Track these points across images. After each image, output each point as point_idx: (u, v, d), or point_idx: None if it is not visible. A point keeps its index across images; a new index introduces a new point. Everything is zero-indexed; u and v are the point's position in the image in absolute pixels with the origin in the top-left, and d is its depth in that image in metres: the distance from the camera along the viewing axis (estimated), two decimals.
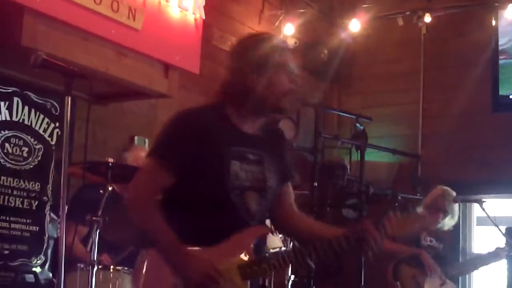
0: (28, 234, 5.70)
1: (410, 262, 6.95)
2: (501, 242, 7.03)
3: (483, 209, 7.04)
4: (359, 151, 7.83)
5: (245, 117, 3.40)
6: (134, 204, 3.28)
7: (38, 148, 5.82)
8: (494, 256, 7.15)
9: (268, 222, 3.63)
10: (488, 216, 7.00)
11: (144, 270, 3.32)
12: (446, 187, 7.15)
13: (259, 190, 3.37)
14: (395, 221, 3.37)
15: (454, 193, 7.09)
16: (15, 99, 5.69)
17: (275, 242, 5.71)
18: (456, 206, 7.12)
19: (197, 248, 3.19)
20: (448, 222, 7.10)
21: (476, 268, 7.41)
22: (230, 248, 3.24)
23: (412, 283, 6.91)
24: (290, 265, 3.36)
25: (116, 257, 5.06)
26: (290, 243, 5.86)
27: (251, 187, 3.34)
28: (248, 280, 3.25)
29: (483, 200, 7.15)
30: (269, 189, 3.40)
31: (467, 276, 8.35)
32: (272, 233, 3.54)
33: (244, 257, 3.26)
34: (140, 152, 5.70)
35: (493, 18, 8.14)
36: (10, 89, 5.65)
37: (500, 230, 6.96)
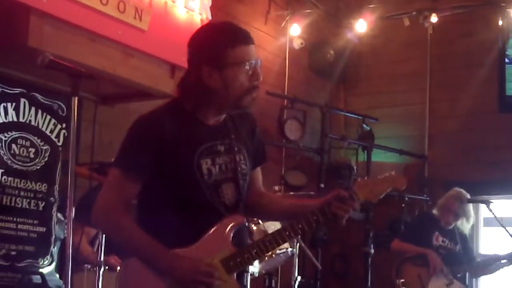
0: (35, 235, 5.70)
1: (416, 261, 6.96)
2: (509, 243, 7.02)
3: (490, 210, 7.03)
4: (365, 151, 7.85)
5: (207, 113, 3.23)
6: (104, 217, 3.14)
7: (45, 149, 5.82)
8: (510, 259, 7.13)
9: None
10: (495, 217, 6.99)
11: (121, 283, 3.25)
12: (460, 189, 7.17)
13: (233, 179, 3.25)
14: (365, 186, 3.31)
15: (467, 196, 7.11)
16: (22, 100, 5.69)
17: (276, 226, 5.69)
18: (470, 209, 7.15)
19: (177, 250, 3.10)
20: (464, 225, 7.16)
21: (488, 272, 7.38)
22: (210, 243, 3.14)
23: (417, 282, 6.91)
24: (272, 248, 3.29)
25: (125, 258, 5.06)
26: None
27: (227, 179, 3.23)
28: (234, 272, 3.17)
29: (490, 201, 7.15)
30: (243, 176, 3.29)
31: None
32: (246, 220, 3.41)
33: (225, 251, 3.16)
34: None
35: (500, 18, 8.12)
36: (17, 90, 5.65)
37: (507, 231, 6.95)
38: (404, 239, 7.12)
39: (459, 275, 7.04)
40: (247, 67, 3.14)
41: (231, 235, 3.19)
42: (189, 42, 3.28)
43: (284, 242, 3.28)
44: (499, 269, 7.25)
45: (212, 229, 3.16)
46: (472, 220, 7.19)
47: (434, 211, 7.26)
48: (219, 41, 3.15)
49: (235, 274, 3.19)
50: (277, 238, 3.23)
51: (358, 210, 3.34)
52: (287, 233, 3.23)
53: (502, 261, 7.19)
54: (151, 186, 3.14)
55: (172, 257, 3.07)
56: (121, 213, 3.10)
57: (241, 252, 3.19)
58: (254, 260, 3.26)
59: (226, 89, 3.13)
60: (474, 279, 8.28)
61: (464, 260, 7.12)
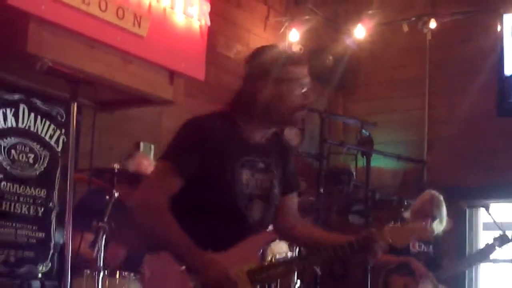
0: (34, 240, 5.71)
1: (400, 271, 6.90)
2: (509, 247, 7.02)
3: (489, 214, 7.04)
4: (364, 157, 7.84)
5: (254, 127, 3.43)
6: (146, 207, 3.27)
7: (44, 155, 5.83)
8: (483, 254, 7.14)
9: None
10: (494, 221, 7.00)
11: (152, 275, 3.35)
12: (434, 192, 7.10)
13: (265, 198, 3.43)
14: (395, 231, 3.46)
15: (441, 198, 7.04)
16: (21, 106, 5.71)
17: (281, 247, 5.71)
18: (444, 211, 7.06)
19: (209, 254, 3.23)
20: (437, 227, 7.05)
21: (468, 267, 7.40)
22: (239, 254, 3.28)
23: None
24: (298, 271, 3.41)
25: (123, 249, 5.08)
26: (296, 248, 5.86)
27: (259, 196, 3.40)
28: (257, 286, 3.30)
29: (489, 205, 7.14)
30: (274, 197, 3.46)
31: (473, 280, 8.34)
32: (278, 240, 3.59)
33: (252, 263, 3.30)
34: (142, 159, 5.69)
35: (498, 24, 8.14)
36: (16, 96, 5.67)
37: (506, 235, 6.95)
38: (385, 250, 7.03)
39: (444, 277, 7.00)
40: (301, 86, 3.38)
41: (261, 250, 3.39)
42: (247, 58, 3.53)
43: (309, 267, 3.45)
44: (475, 264, 7.29)
45: (245, 240, 3.32)
46: (445, 222, 7.11)
47: (406, 216, 7.17)
48: (280, 58, 3.41)
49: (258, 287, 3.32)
50: (304, 263, 3.41)
51: (384, 249, 3.49)
52: (313, 258, 3.41)
53: (475, 259, 7.22)
54: (188, 189, 3.28)
55: (206, 258, 3.19)
56: (163, 205, 3.25)
57: (268, 267, 3.36)
58: (279, 278, 3.40)
59: (279, 103, 3.35)
60: (473, 279, 8.30)
61: (440, 261, 7.09)
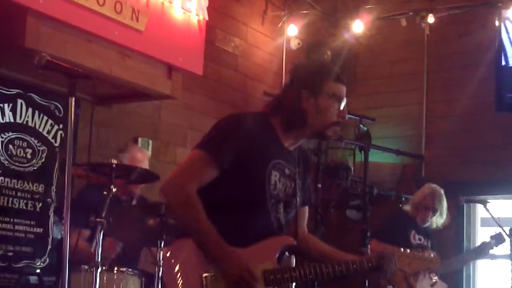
0: (32, 235, 5.71)
1: None
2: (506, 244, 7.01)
3: (487, 210, 7.03)
4: (362, 152, 7.81)
5: (288, 133, 3.52)
6: (179, 191, 3.33)
7: (42, 150, 5.82)
8: (479, 252, 7.13)
9: None
10: (492, 217, 6.98)
11: (172, 257, 3.39)
12: (435, 185, 7.11)
13: (288, 204, 3.51)
14: (405, 257, 3.59)
15: (442, 191, 7.05)
16: (19, 101, 5.70)
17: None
18: (445, 204, 7.07)
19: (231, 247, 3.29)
20: (437, 220, 7.06)
21: (464, 264, 7.40)
22: (258, 253, 3.35)
23: (404, 284, 6.87)
24: (310, 279, 3.45)
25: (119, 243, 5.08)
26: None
27: (283, 200, 3.48)
28: (270, 287, 3.34)
29: (487, 201, 7.13)
30: (295, 205, 3.55)
31: (471, 276, 8.34)
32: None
33: (269, 264, 3.36)
34: (136, 153, 5.68)
35: (496, 18, 8.13)
36: (14, 91, 5.66)
37: (504, 231, 6.94)
38: (382, 240, 7.04)
39: (442, 272, 7.00)
40: (339, 102, 3.51)
41: (279, 252, 3.42)
42: (292, 67, 3.69)
43: (322, 277, 3.47)
44: (466, 264, 7.29)
45: (265, 240, 3.39)
46: (445, 215, 7.11)
47: (407, 208, 7.17)
48: (324, 72, 3.54)
49: None
50: (317, 271, 3.44)
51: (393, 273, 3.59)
52: (327, 270, 3.45)
53: (470, 256, 7.23)
54: (218, 181, 3.36)
55: (228, 250, 3.26)
56: (195, 194, 3.31)
57: (283, 270, 3.39)
58: (292, 282, 3.44)
59: (317, 115, 3.47)
60: (471, 276, 8.31)
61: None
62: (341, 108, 3.52)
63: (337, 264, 3.46)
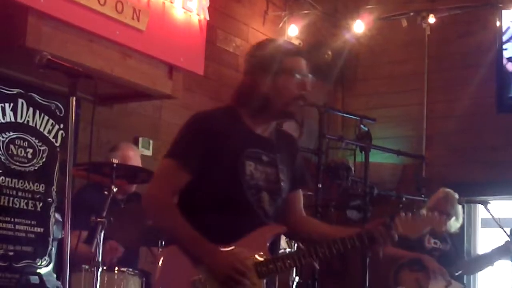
0: (33, 235, 5.70)
1: (412, 266, 6.90)
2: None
3: (488, 211, 7.02)
4: (363, 152, 7.81)
5: (257, 120, 3.47)
6: (154, 202, 3.35)
7: (43, 150, 5.82)
8: (502, 251, 7.09)
9: None
10: (493, 217, 6.97)
11: (160, 267, 3.36)
12: (448, 189, 7.12)
13: (272, 191, 3.44)
14: (406, 221, 3.44)
15: (456, 195, 7.06)
16: (20, 100, 5.70)
17: (281, 244, 5.70)
18: (459, 208, 7.09)
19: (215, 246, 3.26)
20: (453, 224, 7.07)
21: (481, 268, 7.38)
22: (247, 246, 3.30)
23: (416, 287, 6.87)
24: (305, 262, 3.39)
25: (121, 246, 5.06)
26: (294, 245, 5.85)
27: (265, 188, 3.42)
28: (264, 278, 3.30)
29: (488, 201, 7.13)
30: (282, 192, 3.48)
31: (471, 276, 8.33)
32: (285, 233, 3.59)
33: (260, 255, 3.32)
34: (128, 151, 5.64)
35: (497, 19, 8.13)
36: (15, 91, 5.65)
37: (505, 231, 6.93)
38: (396, 244, 7.04)
39: (456, 274, 7.00)
40: (298, 77, 3.43)
41: (269, 242, 3.37)
42: (246, 54, 3.63)
43: (318, 258, 3.40)
44: (489, 265, 7.24)
45: (253, 232, 3.34)
46: (461, 218, 7.13)
47: (423, 213, 7.16)
48: (276, 50, 3.50)
49: (265, 280, 3.31)
50: (311, 253, 3.37)
51: (395, 241, 3.46)
52: (322, 250, 3.36)
53: (493, 257, 7.19)
54: (194, 183, 3.34)
55: (212, 250, 3.23)
56: (170, 202, 3.33)
57: (275, 260, 3.34)
58: (286, 270, 3.40)
59: (276, 95, 3.41)
60: (472, 278, 8.30)
61: (456, 259, 7.08)
62: (301, 80, 3.44)
63: (333, 242, 3.37)
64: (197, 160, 3.32)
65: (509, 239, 7.03)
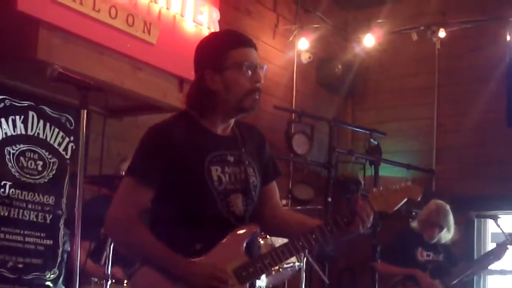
0: (42, 247, 5.70)
1: (407, 283, 6.89)
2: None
3: (498, 225, 7.01)
4: (373, 166, 7.84)
5: (214, 120, 3.26)
6: (117, 224, 3.15)
7: (53, 162, 5.82)
8: (495, 255, 7.09)
9: None
10: (503, 232, 6.97)
11: None
12: (440, 201, 7.11)
13: (243, 191, 3.25)
14: (380, 196, 3.27)
15: (448, 207, 7.04)
16: (30, 113, 5.70)
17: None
18: (452, 219, 7.05)
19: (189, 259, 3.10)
20: (444, 236, 7.05)
21: (477, 273, 7.39)
22: (222, 253, 3.14)
23: None
24: (285, 259, 3.26)
25: (128, 270, 5.04)
26: (304, 258, 5.83)
27: (235, 190, 3.23)
28: (246, 282, 3.16)
29: (498, 216, 7.12)
30: (253, 188, 3.29)
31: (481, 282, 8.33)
32: (260, 231, 3.39)
33: (237, 260, 3.16)
34: None
35: (507, 33, 8.13)
36: (26, 103, 5.66)
37: None
38: (388, 261, 7.03)
39: (453, 282, 6.97)
40: (246, 68, 3.20)
41: (244, 244, 3.19)
42: (194, 52, 3.35)
43: (297, 252, 3.26)
44: (484, 269, 7.27)
45: (225, 238, 3.16)
46: (452, 230, 7.10)
47: (414, 225, 7.15)
48: (219, 44, 3.25)
49: (247, 285, 3.17)
50: (290, 248, 3.21)
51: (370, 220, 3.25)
52: (300, 243, 3.20)
53: (486, 261, 7.21)
54: (161, 197, 3.16)
55: (186, 264, 3.07)
56: (135, 222, 3.12)
57: (254, 262, 3.17)
58: (267, 270, 3.23)
59: (227, 91, 3.19)
60: (482, 281, 8.28)
61: (451, 268, 7.06)
62: (252, 73, 3.20)
63: (310, 233, 3.19)
64: (158, 174, 3.12)
65: (499, 243, 7.04)
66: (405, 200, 3.32)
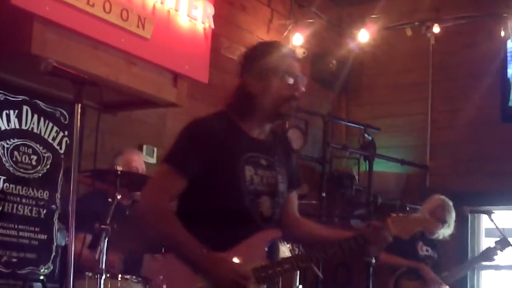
0: (37, 242, 5.71)
1: (410, 276, 6.92)
2: (510, 254, 7.02)
3: (492, 221, 7.03)
4: (367, 161, 7.83)
5: (251, 123, 3.45)
6: (151, 210, 3.30)
7: (47, 157, 5.83)
8: (485, 256, 7.14)
9: None
10: (497, 227, 6.99)
11: (160, 275, 3.34)
12: (444, 197, 7.13)
13: (272, 194, 3.42)
14: (398, 222, 3.43)
15: (451, 202, 7.06)
16: (25, 107, 5.70)
17: (284, 252, 5.69)
18: (453, 216, 7.08)
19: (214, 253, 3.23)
20: (444, 231, 7.07)
21: (468, 269, 7.43)
22: (245, 252, 3.28)
23: None
24: (303, 267, 3.38)
25: (123, 258, 5.05)
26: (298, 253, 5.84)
27: (265, 192, 3.40)
28: (263, 283, 3.29)
29: (491, 211, 7.14)
30: (280, 194, 3.46)
31: (474, 287, 8.33)
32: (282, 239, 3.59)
33: (258, 261, 3.30)
34: (132, 155, 5.65)
35: (502, 29, 8.13)
36: (20, 98, 5.66)
37: (509, 241, 6.94)
38: (390, 252, 7.05)
39: (452, 279, 7.01)
40: (288, 77, 3.40)
41: (266, 247, 3.35)
42: (238, 57, 3.64)
43: (316, 262, 3.44)
44: (472, 269, 7.32)
45: (250, 238, 3.31)
46: (452, 226, 7.12)
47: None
48: (265, 52, 3.47)
49: (265, 286, 3.31)
50: (310, 258, 3.39)
51: (389, 242, 3.47)
52: (320, 254, 3.40)
53: (476, 261, 7.25)
54: (191, 189, 3.31)
55: (211, 257, 3.20)
56: (168, 209, 3.30)
57: (273, 265, 3.33)
58: (285, 274, 3.38)
59: (267, 96, 3.39)
60: (476, 277, 8.31)
61: (444, 265, 7.09)
62: (289, 81, 3.41)
63: (330, 246, 3.37)
64: (194, 166, 3.29)
65: (490, 246, 7.07)
66: (420, 229, 3.59)
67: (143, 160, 5.78)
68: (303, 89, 3.45)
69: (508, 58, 8.09)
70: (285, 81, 3.39)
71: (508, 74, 8.08)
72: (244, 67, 3.50)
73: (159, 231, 3.35)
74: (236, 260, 3.24)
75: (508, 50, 8.09)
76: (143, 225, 3.37)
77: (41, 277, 5.64)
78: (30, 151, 5.72)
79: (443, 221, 6.99)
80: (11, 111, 5.61)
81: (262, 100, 3.39)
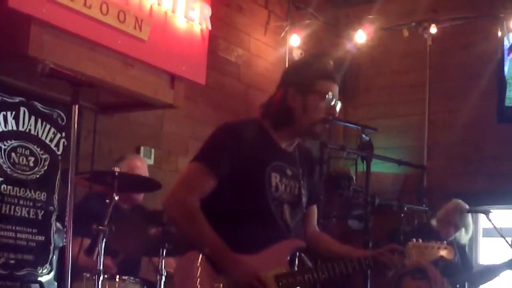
0: (34, 243, 5.70)
1: (415, 275, 6.91)
2: (508, 253, 7.00)
3: (490, 220, 7.02)
4: (365, 161, 7.78)
5: (282, 134, 3.53)
6: (180, 206, 3.36)
7: (44, 158, 5.83)
8: (509, 264, 7.10)
9: None
10: (495, 227, 6.98)
11: (180, 273, 3.41)
12: (459, 201, 7.15)
13: (294, 204, 3.50)
14: (417, 246, 3.53)
15: (466, 206, 7.09)
16: (22, 109, 5.70)
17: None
18: (470, 219, 7.12)
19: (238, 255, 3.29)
20: (463, 236, 7.12)
21: (488, 279, 7.38)
22: (268, 258, 3.34)
23: None
24: (323, 279, 3.42)
25: (116, 259, 5.05)
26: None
27: (288, 201, 3.48)
28: None
29: (489, 211, 7.14)
30: (301, 205, 3.54)
31: None
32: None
33: (280, 268, 3.35)
34: (135, 161, 5.66)
35: (499, 30, 8.14)
36: (17, 99, 5.66)
37: (506, 241, 6.93)
38: None
39: (458, 285, 7.01)
40: (328, 100, 3.47)
41: (289, 256, 3.42)
42: (284, 68, 3.83)
43: (335, 276, 3.45)
44: (496, 277, 7.24)
45: (275, 245, 3.38)
46: (471, 230, 7.18)
47: (433, 223, 7.23)
48: (312, 70, 3.54)
49: None
50: (330, 271, 3.42)
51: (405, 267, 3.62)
52: (340, 268, 3.43)
53: (500, 269, 7.18)
54: (219, 191, 3.37)
55: (235, 259, 3.26)
56: (196, 207, 3.34)
57: (295, 273, 3.41)
58: (304, 285, 3.41)
59: (304, 113, 3.46)
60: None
61: (462, 271, 7.09)
62: (331, 105, 3.49)
63: (350, 261, 3.43)
64: (224, 167, 3.35)
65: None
66: (438, 257, 3.62)
67: (146, 166, 5.78)
68: (337, 114, 3.53)
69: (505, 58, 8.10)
70: (324, 103, 3.47)
71: (505, 72, 8.09)
72: (286, 79, 3.59)
73: (186, 227, 3.39)
74: (259, 264, 3.28)
75: (505, 49, 8.10)
76: (169, 220, 3.40)
77: (39, 279, 5.64)
78: (27, 152, 5.72)
79: (454, 225, 7.03)
80: (8, 113, 5.61)
81: (299, 115, 3.47)
